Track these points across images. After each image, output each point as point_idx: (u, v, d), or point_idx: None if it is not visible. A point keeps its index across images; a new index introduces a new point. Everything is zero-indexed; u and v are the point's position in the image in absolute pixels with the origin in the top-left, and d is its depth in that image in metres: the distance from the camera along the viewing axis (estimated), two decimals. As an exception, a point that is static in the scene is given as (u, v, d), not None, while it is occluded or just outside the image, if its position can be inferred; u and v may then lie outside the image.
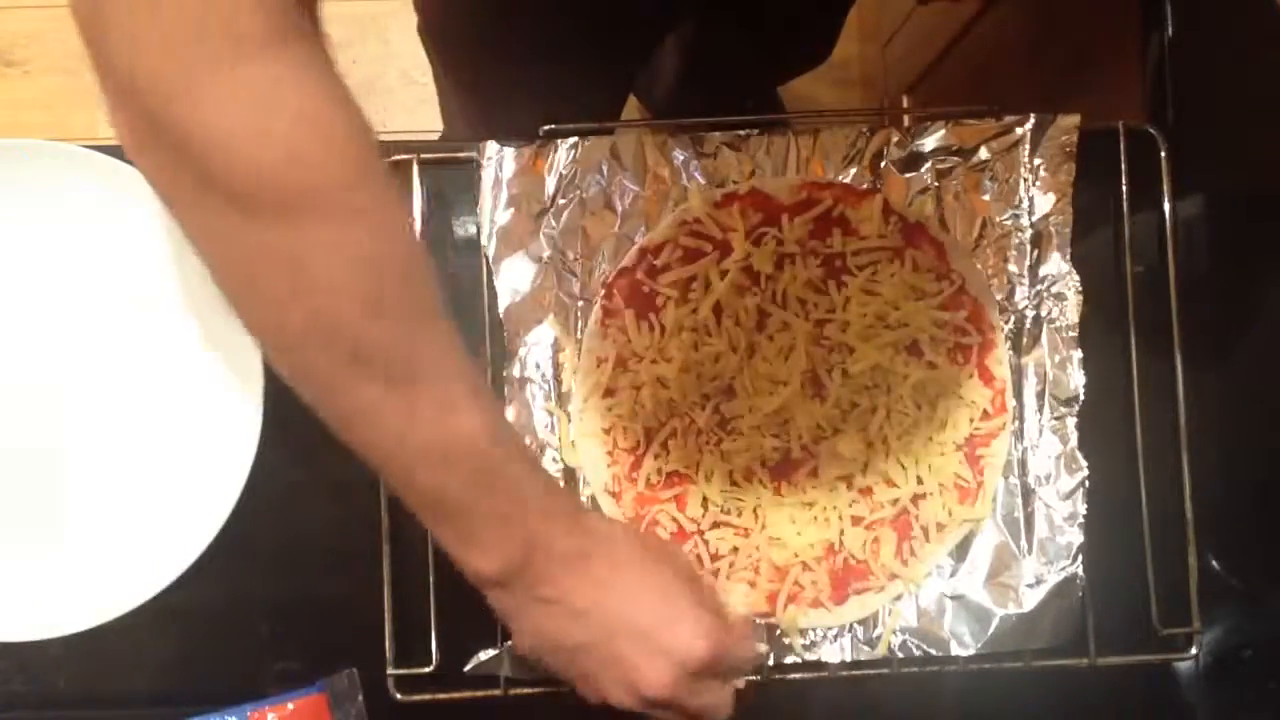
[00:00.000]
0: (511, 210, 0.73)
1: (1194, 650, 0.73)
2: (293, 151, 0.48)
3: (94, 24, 0.47)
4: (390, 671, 0.71)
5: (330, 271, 0.51)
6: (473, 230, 0.74)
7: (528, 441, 0.72)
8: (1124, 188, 0.75)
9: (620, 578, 0.61)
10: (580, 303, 0.73)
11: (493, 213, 0.73)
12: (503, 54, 0.94)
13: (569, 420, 0.73)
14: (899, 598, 0.72)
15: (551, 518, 0.59)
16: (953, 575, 0.73)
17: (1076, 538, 0.72)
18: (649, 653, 0.60)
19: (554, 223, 0.73)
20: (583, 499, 0.73)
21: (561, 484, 0.71)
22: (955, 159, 0.74)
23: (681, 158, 0.74)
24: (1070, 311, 0.73)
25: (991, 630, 0.72)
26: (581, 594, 0.60)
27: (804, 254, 0.73)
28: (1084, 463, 0.72)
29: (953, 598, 0.72)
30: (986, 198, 0.74)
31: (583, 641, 0.61)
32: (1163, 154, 0.75)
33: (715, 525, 0.72)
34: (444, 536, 0.59)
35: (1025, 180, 0.74)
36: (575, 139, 0.73)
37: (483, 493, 0.56)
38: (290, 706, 0.70)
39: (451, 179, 0.74)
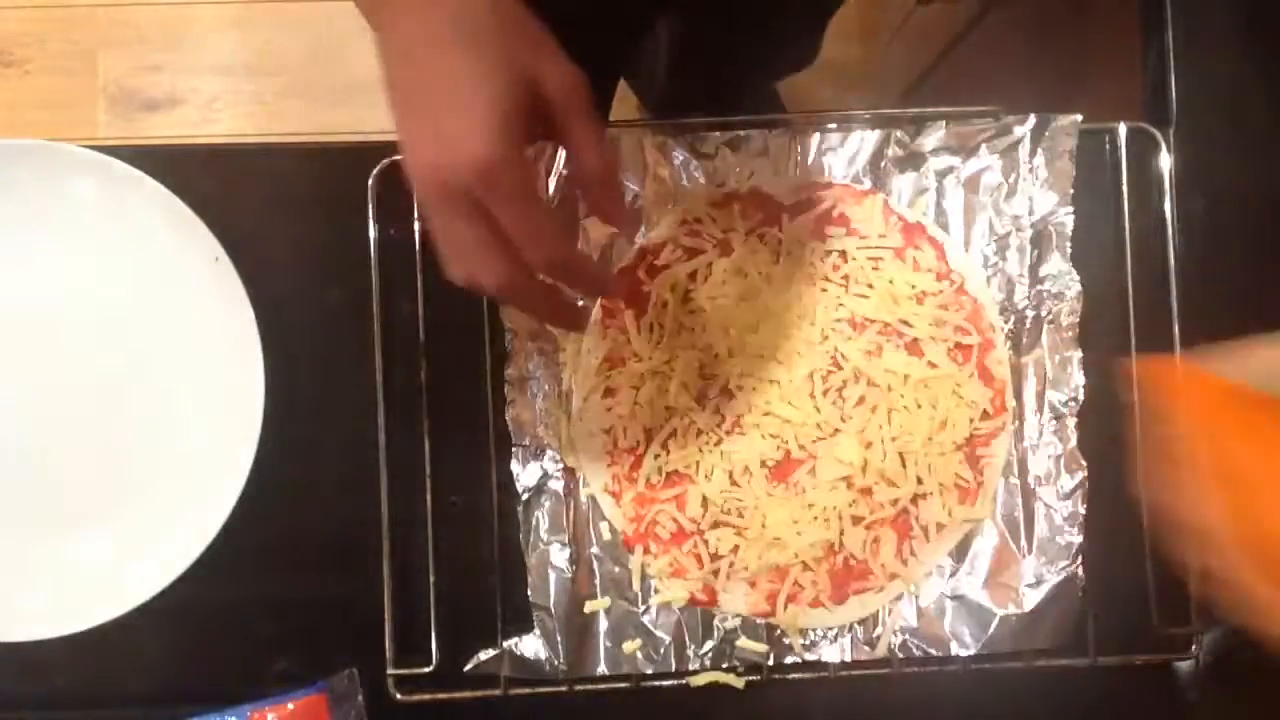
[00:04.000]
0: (511, 210, 0.73)
1: (1194, 650, 0.73)
2: None
3: None
4: (390, 671, 0.71)
5: None
6: (473, 230, 0.73)
7: (527, 443, 0.72)
8: (1124, 188, 0.75)
9: (451, 37, 0.54)
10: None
11: (493, 213, 0.73)
12: None
13: (569, 420, 0.73)
14: (899, 598, 0.72)
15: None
16: (953, 575, 0.73)
17: (1076, 538, 0.72)
18: (461, 117, 0.53)
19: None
20: (582, 495, 0.73)
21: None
22: (955, 159, 0.74)
23: (681, 158, 0.74)
24: (1070, 311, 0.73)
25: (991, 630, 0.72)
26: (408, 35, 0.55)
27: (803, 254, 0.73)
28: (1084, 463, 0.73)
29: (953, 598, 0.72)
30: (986, 198, 0.74)
31: (402, 86, 0.55)
32: (1163, 154, 0.75)
33: (715, 525, 0.72)
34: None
35: (1025, 180, 0.74)
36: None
37: None
38: (290, 706, 0.70)
39: (451, 179, 0.74)
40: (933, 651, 0.72)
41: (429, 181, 0.54)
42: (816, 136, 0.74)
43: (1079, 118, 0.74)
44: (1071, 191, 0.74)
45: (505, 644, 0.71)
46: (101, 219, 0.73)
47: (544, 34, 0.57)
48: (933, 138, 0.74)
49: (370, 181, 0.73)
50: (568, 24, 0.87)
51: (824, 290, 0.73)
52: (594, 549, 0.73)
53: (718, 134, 0.74)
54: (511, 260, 0.56)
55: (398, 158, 0.73)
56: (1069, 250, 0.74)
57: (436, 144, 0.53)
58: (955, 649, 0.72)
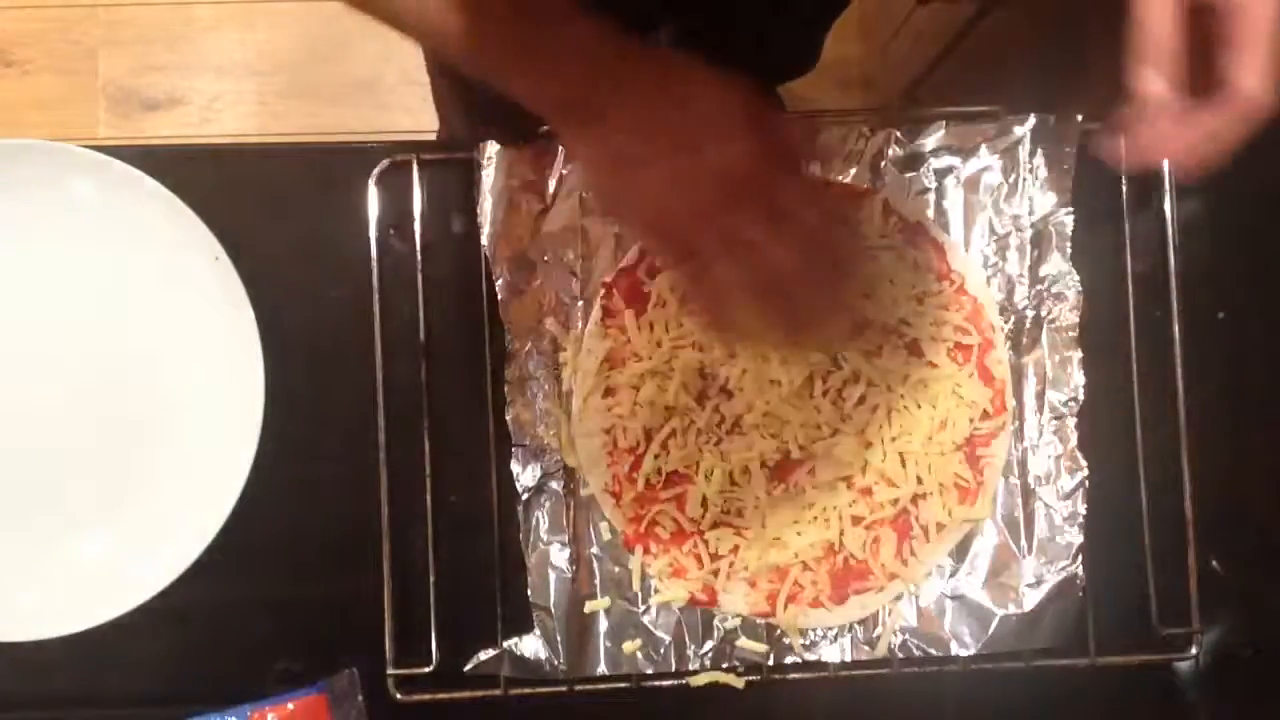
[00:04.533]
0: (511, 210, 0.73)
1: (1194, 650, 0.73)
2: None
3: None
4: (390, 671, 0.71)
5: None
6: (473, 230, 0.74)
7: (527, 443, 0.72)
8: (1124, 188, 0.75)
9: (672, 93, 0.57)
10: (580, 303, 0.73)
11: (493, 213, 0.73)
12: None
13: (569, 420, 0.73)
14: (899, 598, 0.72)
15: (602, 41, 0.56)
16: (953, 575, 0.73)
17: (1076, 538, 0.72)
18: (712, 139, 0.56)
19: (554, 223, 0.73)
20: (582, 495, 0.73)
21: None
22: (955, 159, 0.74)
23: (681, 158, 0.74)
24: (1070, 311, 0.73)
25: (991, 630, 0.72)
26: (634, 108, 0.57)
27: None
28: (1084, 463, 0.73)
29: (953, 598, 0.72)
30: (986, 198, 0.74)
31: (641, 152, 0.57)
32: (1163, 154, 0.75)
33: (715, 525, 0.72)
34: (492, 67, 0.57)
35: (1025, 180, 0.74)
36: (575, 139, 0.73)
37: (527, 22, 0.55)
38: (290, 706, 0.70)
39: (451, 179, 0.75)
40: (933, 651, 0.72)
41: (695, 198, 0.56)
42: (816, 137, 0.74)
43: (1079, 118, 0.74)
44: (1071, 192, 0.74)
45: (505, 644, 0.71)
46: (101, 219, 0.73)
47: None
48: (933, 138, 0.74)
49: (370, 181, 0.73)
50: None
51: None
52: (594, 549, 0.73)
53: (718, 134, 0.74)
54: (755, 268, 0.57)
55: (398, 158, 0.73)
56: (1069, 250, 0.74)
57: (697, 151, 0.56)
58: (955, 649, 0.72)
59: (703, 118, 0.57)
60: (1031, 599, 0.72)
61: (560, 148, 0.73)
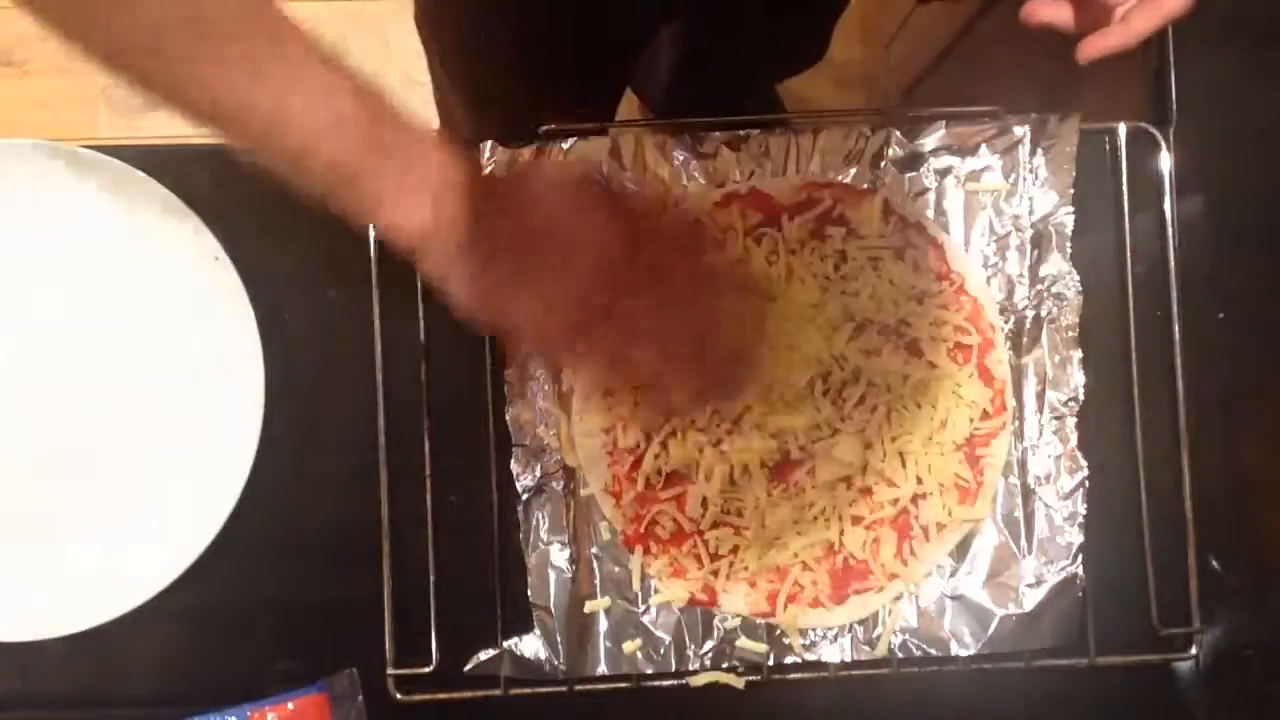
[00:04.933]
0: (511, 210, 0.73)
1: (1194, 650, 0.73)
2: None
3: None
4: (390, 671, 0.71)
5: None
6: (473, 230, 0.73)
7: (527, 443, 0.72)
8: (1124, 188, 0.75)
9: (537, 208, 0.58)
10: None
11: (493, 213, 0.73)
12: (493, 43, 0.94)
13: (569, 420, 0.73)
14: (899, 598, 0.72)
15: (452, 169, 0.56)
16: (953, 575, 0.73)
17: (1076, 538, 0.72)
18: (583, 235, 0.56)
19: (554, 223, 0.73)
20: (582, 495, 0.73)
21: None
22: (955, 159, 0.74)
23: (681, 158, 0.74)
24: (1070, 311, 0.73)
25: (991, 630, 0.72)
26: (499, 230, 0.56)
27: (803, 254, 0.73)
28: (1084, 463, 0.73)
29: (953, 598, 0.72)
30: (986, 198, 0.74)
31: (511, 276, 0.57)
32: (1163, 154, 0.75)
33: (715, 525, 0.72)
34: (350, 205, 0.56)
35: (1025, 180, 0.74)
36: (575, 139, 0.73)
37: (377, 158, 0.54)
38: (290, 706, 0.70)
39: (451, 179, 0.74)
40: (933, 651, 0.72)
41: (566, 307, 0.56)
42: (816, 136, 0.74)
43: (1079, 118, 0.74)
44: (1071, 191, 0.74)
45: (505, 644, 0.71)
46: (101, 219, 0.73)
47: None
48: (933, 138, 0.74)
49: (370, 181, 0.73)
50: (570, 20, 0.87)
51: (824, 290, 0.73)
52: (594, 549, 0.73)
53: (718, 134, 0.74)
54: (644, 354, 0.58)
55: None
56: (1069, 250, 0.74)
57: (563, 270, 0.56)
58: (955, 649, 0.72)
59: (567, 233, 0.57)
60: (1031, 599, 0.72)
61: (560, 147, 0.73)
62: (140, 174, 0.71)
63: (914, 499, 0.72)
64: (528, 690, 0.71)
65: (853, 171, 0.74)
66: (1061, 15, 0.64)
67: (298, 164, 0.53)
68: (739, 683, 0.71)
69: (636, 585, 0.72)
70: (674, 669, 0.72)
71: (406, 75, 1.60)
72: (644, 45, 1.13)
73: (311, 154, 0.53)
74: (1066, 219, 0.74)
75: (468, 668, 0.71)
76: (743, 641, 0.72)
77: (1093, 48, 0.60)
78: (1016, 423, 0.73)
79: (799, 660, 0.72)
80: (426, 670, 0.71)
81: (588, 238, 0.57)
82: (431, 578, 0.72)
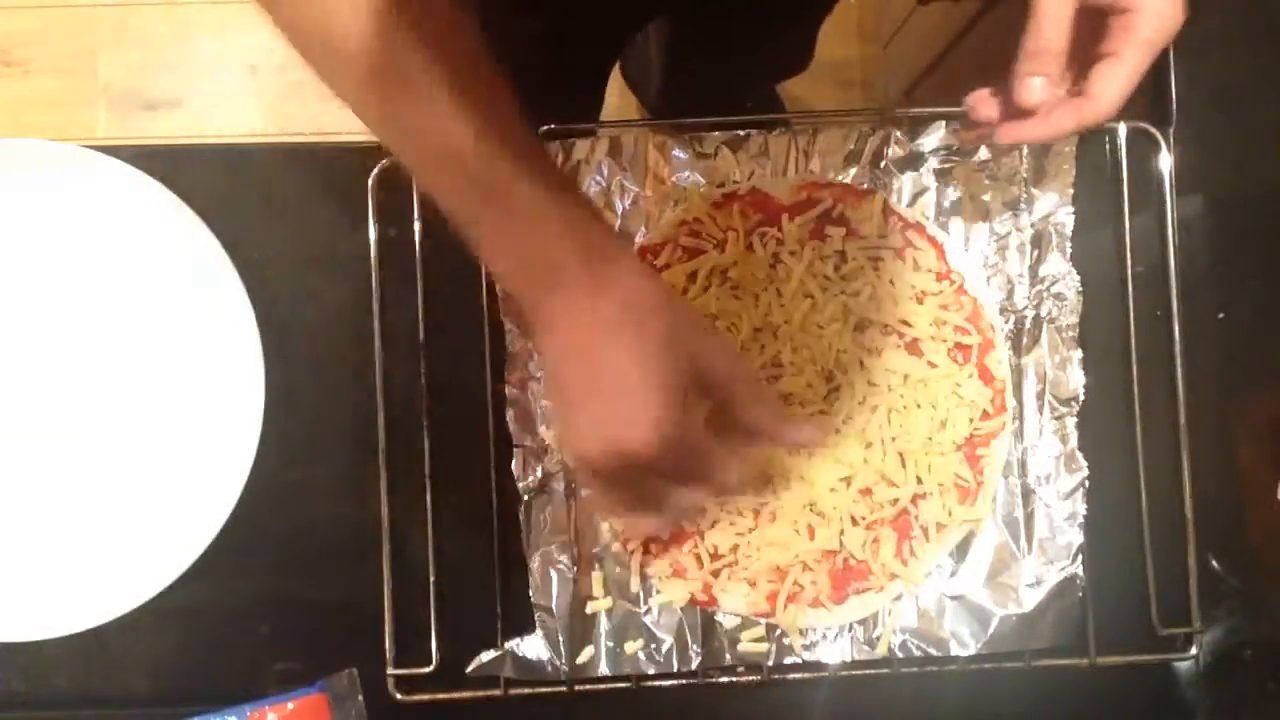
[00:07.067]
0: (511, 210, 0.73)
1: (1194, 650, 0.73)
2: None
3: None
4: (390, 671, 0.71)
5: None
6: (473, 230, 0.73)
7: (528, 442, 0.72)
8: (1124, 188, 0.75)
9: (620, 324, 0.55)
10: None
11: (493, 213, 0.73)
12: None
13: (569, 420, 0.72)
14: (899, 598, 0.72)
15: (562, 240, 0.55)
16: (953, 575, 0.73)
17: (1076, 538, 0.72)
18: (631, 405, 0.55)
19: (554, 223, 0.73)
20: (583, 496, 0.73)
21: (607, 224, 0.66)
22: (955, 159, 0.74)
23: (681, 158, 0.74)
24: (1070, 311, 0.73)
25: (991, 630, 0.72)
26: (576, 328, 0.55)
27: (803, 254, 0.73)
28: (1084, 463, 0.73)
29: (953, 598, 0.72)
30: (986, 198, 0.74)
31: (571, 378, 0.56)
32: (1163, 154, 0.75)
33: (715, 525, 0.72)
34: (468, 237, 0.56)
35: (1025, 180, 0.74)
36: (575, 139, 0.73)
37: (479, 202, 0.54)
38: (290, 706, 0.70)
39: (451, 179, 0.74)
40: (933, 651, 0.72)
41: (602, 460, 0.55)
42: (816, 136, 0.74)
43: (1078, 118, 0.74)
44: (1071, 191, 0.74)
45: (507, 644, 0.71)
46: (102, 219, 0.73)
47: (700, 315, 0.65)
48: (933, 138, 0.74)
49: (370, 181, 0.73)
50: (564, 11, 0.86)
51: (824, 290, 0.73)
52: (595, 549, 0.73)
53: (718, 134, 0.74)
54: (671, 505, 0.59)
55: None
56: (1069, 250, 0.74)
57: (610, 427, 0.55)
58: (955, 649, 0.72)
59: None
60: (1031, 599, 0.72)
61: (560, 147, 0.73)
62: (140, 174, 0.72)
63: (914, 499, 0.72)
64: (528, 690, 0.71)
65: (853, 171, 0.74)
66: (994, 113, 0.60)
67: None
68: (739, 682, 0.71)
69: (637, 585, 0.72)
70: (675, 669, 0.72)
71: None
72: (619, 52, 1.13)
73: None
74: (1066, 219, 0.74)
75: (470, 668, 0.71)
76: (743, 642, 0.72)
77: (1009, 135, 0.57)
78: (1016, 423, 0.73)
79: (799, 660, 0.72)
80: (427, 670, 0.71)
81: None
82: (432, 578, 0.72)
